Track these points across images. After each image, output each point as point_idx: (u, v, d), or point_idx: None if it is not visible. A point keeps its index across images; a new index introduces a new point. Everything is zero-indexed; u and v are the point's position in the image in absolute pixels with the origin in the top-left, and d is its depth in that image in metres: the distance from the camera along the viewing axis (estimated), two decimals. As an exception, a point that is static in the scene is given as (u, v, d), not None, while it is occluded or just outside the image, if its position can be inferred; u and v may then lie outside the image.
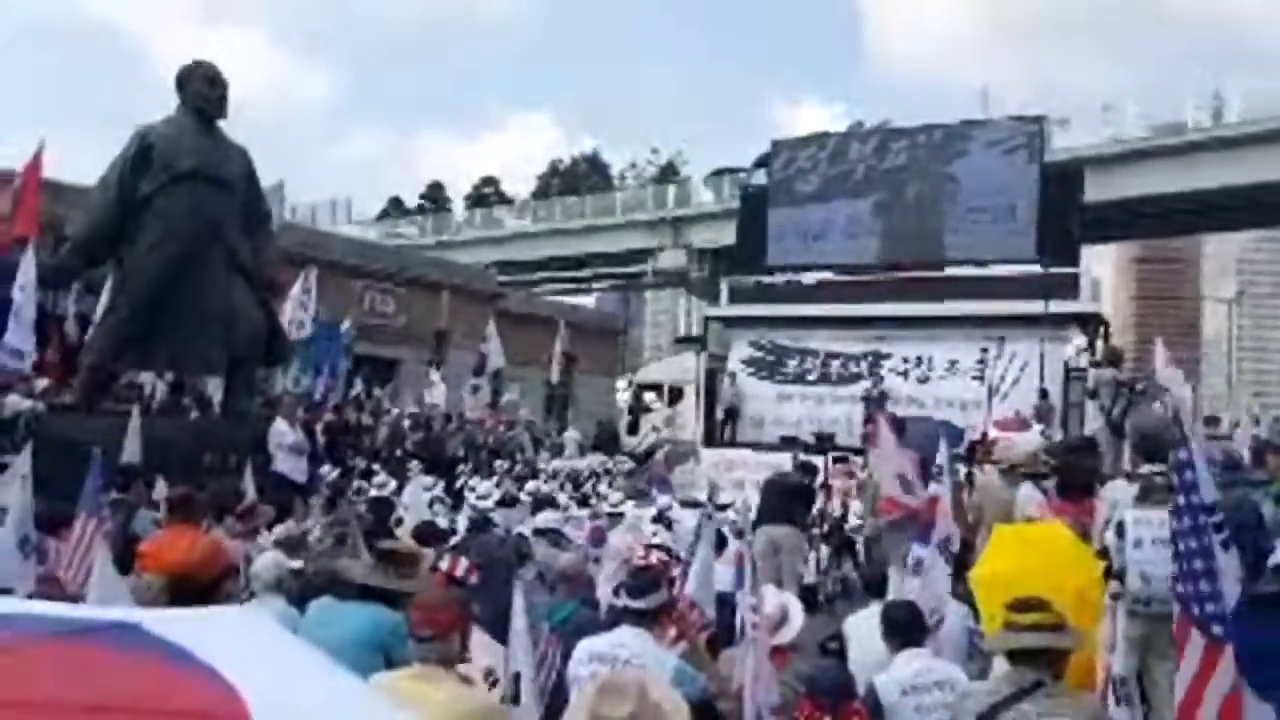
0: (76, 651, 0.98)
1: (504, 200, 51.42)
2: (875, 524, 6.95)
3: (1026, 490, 5.42)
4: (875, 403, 12.23)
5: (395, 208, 53.89)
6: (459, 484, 9.97)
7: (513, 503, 7.50)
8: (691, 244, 33.67)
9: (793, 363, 15.91)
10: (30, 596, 3.30)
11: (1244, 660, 2.59)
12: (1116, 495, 4.48)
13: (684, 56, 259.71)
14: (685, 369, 17.63)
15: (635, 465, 13.65)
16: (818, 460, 9.16)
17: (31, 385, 7.83)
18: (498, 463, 12.22)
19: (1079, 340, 14.69)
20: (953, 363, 14.71)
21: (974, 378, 14.34)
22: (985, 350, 14.28)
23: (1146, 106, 29.48)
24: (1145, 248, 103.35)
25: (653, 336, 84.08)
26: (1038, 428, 9.34)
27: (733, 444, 14.87)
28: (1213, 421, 11.96)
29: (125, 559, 4.04)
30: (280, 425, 8.51)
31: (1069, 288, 14.48)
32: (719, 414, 15.71)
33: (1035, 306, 14.03)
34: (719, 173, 38.54)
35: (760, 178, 18.72)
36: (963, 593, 4.10)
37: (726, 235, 23.41)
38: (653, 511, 7.48)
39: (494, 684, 3.09)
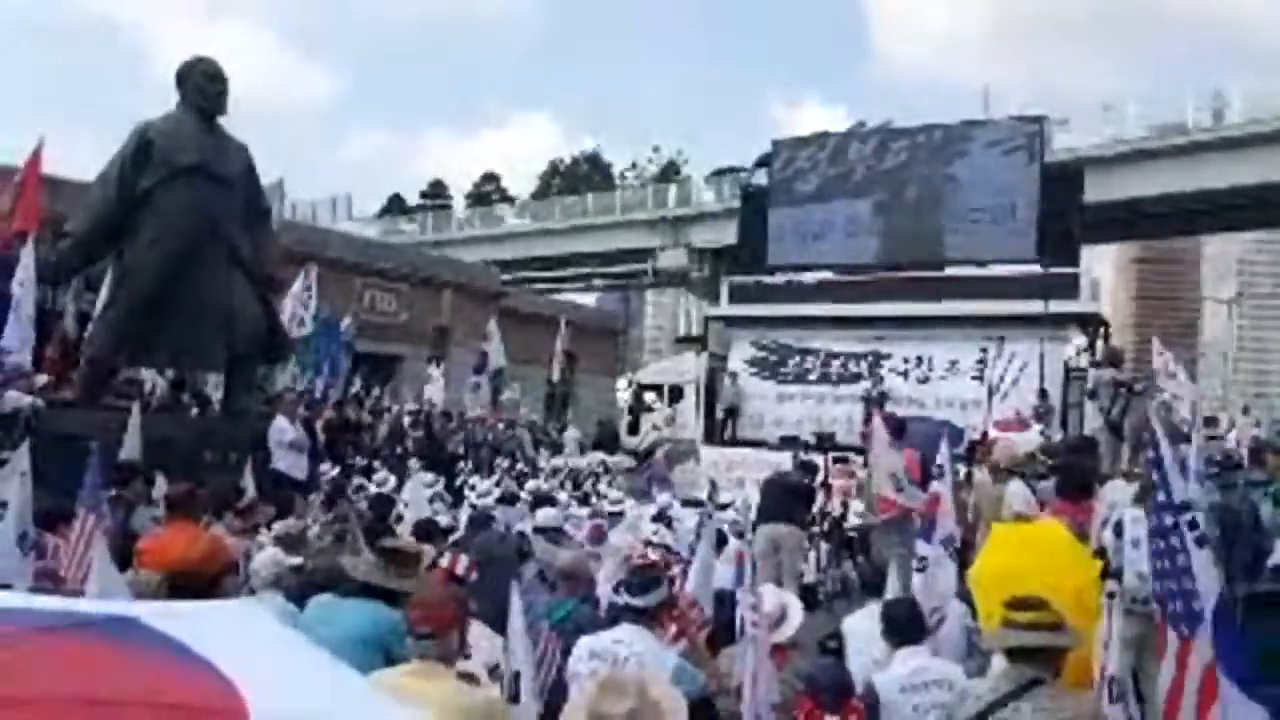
0: (75, 646, 0.98)
1: (505, 198, 51.42)
2: (870, 522, 6.97)
3: (1014, 487, 5.44)
4: (875, 402, 12.23)
5: (396, 205, 53.87)
6: (459, 482, 9.97)
7: (513, 501, 7.50)
8: (692, 243, 33.64)
9: (793, 362, 15.91)
10: (29, 592, 3.30)
11: (1244, 659, 2.60)
12: (1115, 495, 4.49)
13: (685, 56, 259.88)
14: (686, 368, 17.63)
15: (636, 464, 13.65)
16: (818, 459, 9.17)
17: (31, 381, 7.82)
18: (498, 461, 12.22)
19: (1079, 340, 14.70)
20: (953, 363, 14.71)
21: (974, 378, 14.35)
22: (985, 350, 14.29)
23: (1147, 107, 29.35)
24: (1145, 248, 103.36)
25: (653, 336, 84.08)
26: (1037, 428, 9.35)
27: (733, 443, 14.88)
28: (1212, 422, 11.95)
29: (124, 556, 4.04)
30: (280, 422, 8.51)
31: (1069, 288, 14.48)
32: (719, 413, 15.72)
33: (1035, 307, 14.03)
34: (720, 172, 38.53)
35: (761, 177, 18.71)
36: (961, 591, 4.11)
37: (727, 235, 23.40)
38: (653, 510, 7.49)
39: (499, 679, 3.09)
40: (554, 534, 5.78)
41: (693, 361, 17.36)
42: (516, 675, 2.87)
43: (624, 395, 21.65)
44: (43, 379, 8.20)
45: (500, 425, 14.82)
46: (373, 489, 8.16)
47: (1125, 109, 29.12)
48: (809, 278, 16.65)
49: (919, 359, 14.95)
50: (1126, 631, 3.86)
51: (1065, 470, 5.10)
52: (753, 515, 7.19)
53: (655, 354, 58.82)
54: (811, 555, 8.40)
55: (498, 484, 8.78)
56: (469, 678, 3.10)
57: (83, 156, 8.11)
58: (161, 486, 5.77)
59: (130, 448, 6.43)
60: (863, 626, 3.96)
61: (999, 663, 2.89)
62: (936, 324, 15.00)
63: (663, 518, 6.96)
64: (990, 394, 13.18)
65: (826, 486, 9.35)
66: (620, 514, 7.35)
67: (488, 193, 54.70)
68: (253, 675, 0.96)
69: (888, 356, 15.11)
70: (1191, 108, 28.16)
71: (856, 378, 15.06)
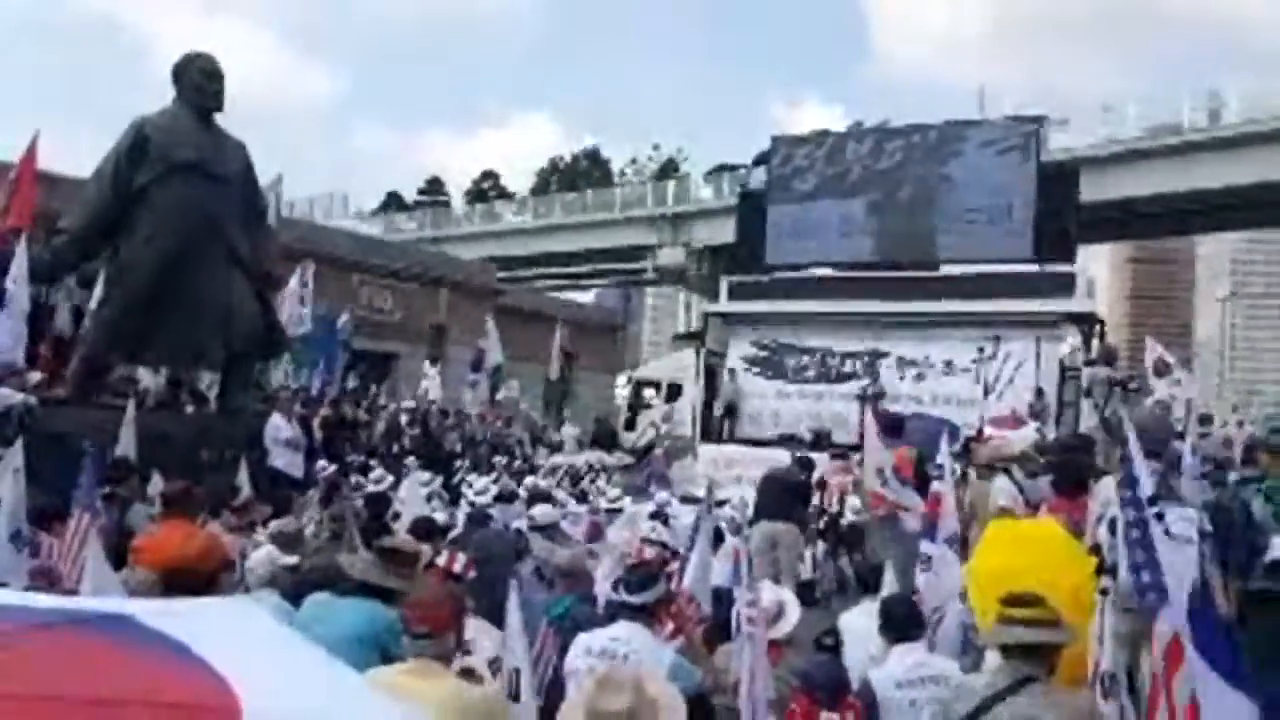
0: (71, 643, 0.98)
1: (504, 195, 51.35)
2: (862, 518, 6.99)
3: (999, 483, 5.47)
4: (872, 400, 12.25)
5: (394, 203, 53.79)
6: (457, 480, 9.96)
7: (511, 498, 7.49)
8: (691, 241, 33.67)
9: (792, 360, 15.92)
10: (25, 590, 3.29)
11: (1236, 655, 2.61)
12: (1109, 492, 4.50)
13: (685, 56, 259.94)
14: (684, 366, 17.63)
15: (634, 461, 13.65)
16: (815, 457, 9.18)
17: (25, 379, 7.80)
18: (496, 459, 12.22)
19: (1074, 339, 14.72)
20: (949, 361, 14.73)
21: (970, 376, 14.37)
22: (981, 349, 14.30)
23: (1144, 107, 29.44)
24: (1140, 248, 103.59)
25: (652, 333, 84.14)
26: (1033, 425, 9.37)
27: (731, 441, 14.88)
28: (1207, 420, 11.98)
29: (120, 553, 4.04)
30: (277, 420, 8.50)
31: (1064, 287, 14.50)
32: (718, 411, 15.72)
33: (1031, 305, 14.04)
34: (719, 170, 38.54)
35: (759, 175, 18.72)
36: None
37: (726, 232, 23.41)
38: (651, 507, 7.49)
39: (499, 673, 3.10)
40: (550, 531, 5.78)
41: (691, 359, 17.36)
42: (516, 673, 2.87)
43: (622, 392, 21.64)
44: (36, 376, 8.17)
45: (498, 423, 14.82)
46: (369, 487, 8.15)
47: (1122, 109, 29.28)
48: (807, 275, 16.66)
49: (916, 357, 14.97)
50: (1121, 628, 3.87)
51: (1061, 468, 5.11)
52: (750, 512, 7.21)
53: (654, 351, 58.81)
54: (809, 552, 8.41)
55: (495, 482, 8.77)
56: (471, 674, 3.10)
57: (83, 153, 8.10)
58: (157, 484, 5.77)
59: (125, 445, 6.42)
60: (859, 623, 3.97)
61: (993, 659, 2.90)
62: (934, 322, 15.02)
63: (660, 515, 6.95)
64: (986, 392, 13.20)
65: (824, 483, 9.36)
66: (618, 511, 7.36)
67: (486, 190, 54.64)
68: (247, 673, 0.96)
69: (885, 354, 15.12)
70: (1188, 108, 28.24)
71: (854, 376, 15.09)
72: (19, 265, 8.03)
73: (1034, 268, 14.73)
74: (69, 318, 9.80)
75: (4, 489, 3.98)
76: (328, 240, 20.29)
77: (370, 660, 2.69)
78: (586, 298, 42.93)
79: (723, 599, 4.37)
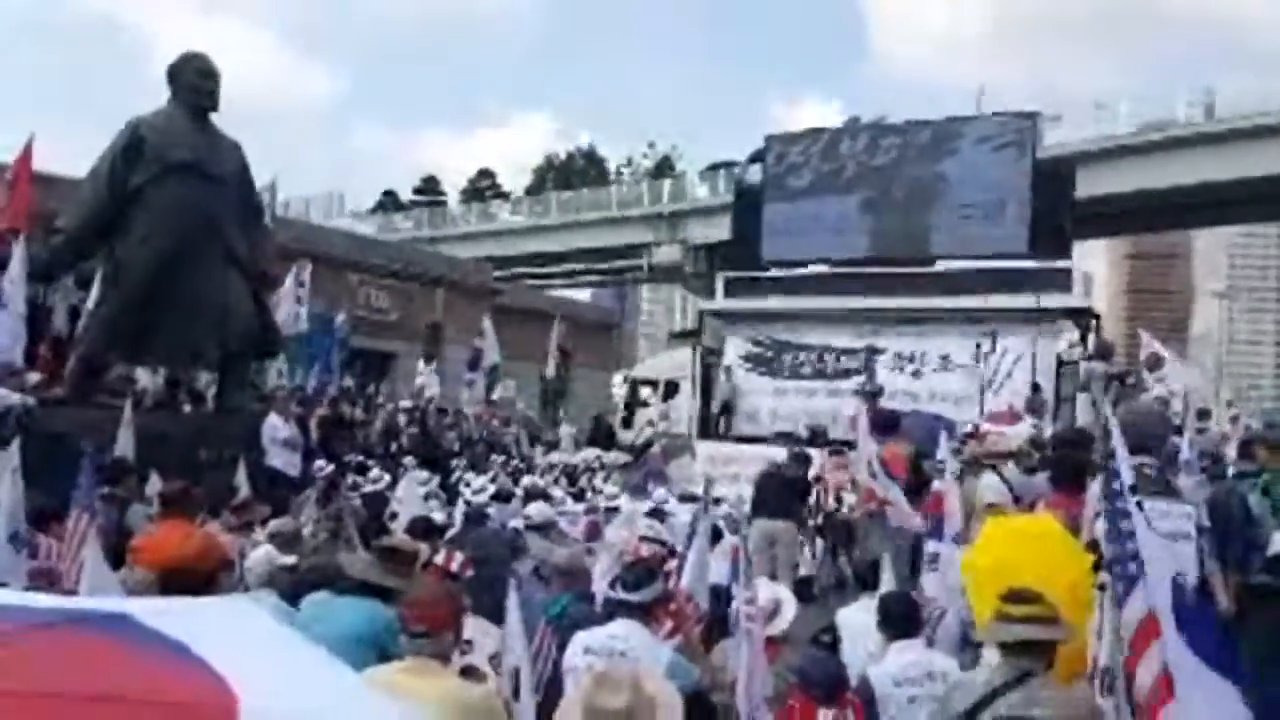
0: (70, 642, 0.98)
1: (500, 194, 51.34)
2: (854, 515, 7.01)
3: (986, 479, 5.48)
4: (869, 396, 12.25)
5: (390, 202, 53.72)
6: (454, 479, 9.96)
7: (508, 497, 7.50)
8: (687, 239, 33.65)
9: (788, 357, 15.92)
10: (24, 591, 3.29)
11: (1232, 650, 2.62)
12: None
13: (685, 56, 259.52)
14: (681, 363, 17.63)
15: (631, 459, 13.65)
16: (812, 453, 9.19)
17: (23, 379, 7.79)
18: (493, 457, 12.22)
19: (1071, 334, 14.74)
20: (946, 357, 14.75)
21: (967, 372, 14.38)
22: (978, 345, 14.31)
23: (1139, 104, 29.54)
24: (1136, 243, 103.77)
25: (649, 331, 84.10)
26: (1029, 421, 9.38)
27: (728, 438, 14.89)
28: (1205, 415, 12.00)
29: (118, 553, 4.03)
30: (274, 420, 8.49)
31: (1061, 282, 14.52)
32: (715, 408, 15.72)
33: (1027, 301, 14.06)
34: (714, 167, 38.52)
35: (755, 173, 18.73)
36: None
37: (722, 230, 23.40)
38: (648, 505, 7.49)
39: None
40: (547, 530, 5.78)
41: (688, 356, 17.36)
42: (516, 672, 2.88)
43: (619, 391, 21.65)
44: (35, 377, 8.16)
45: (495, 422, 14.81)
46: (367, 487, 8.15)
47: (1117, 106, 29.35)
48: (803, 272, 16.67)
49: (912, 353, 14.99)
50: (1117, 623, 3.88)
51: (1060, 463, 5.12)
52: (747, 510, 7.23)
53: (651, 349, 58.83)
54: (806, 549, 8.43)
55: (493, 481, 8.77)
56: (473, 672, 3.11)
57: (82, 154, 8.07)
58: (155, 484, 5.76)
59: (123, 445, 6.41)
60: (857, 619, 3.98)
61: (991, 655, 2.91)
62: (930, 318, 15.04)
63: (658, 513, 6.96)
64: (983, 388, 13.21)
65: (821, 480, 9.37)
66: (615, 509, 7.36)
67: (483, 189, 54.61)
68: (245, 672, 0.96)
69: (882, 351, 15.13)
70: (1183, 104, 28.32)
71: (851, 372, 15.09)
72: (16, 266, 8.02)
73: (1030, 263, 14.75)
74: (66, 318, 9.79)
75: (2, 490, 3.98)
76: (324, 240, 20.27)
77: (369, 659, 2.69)
78: (583, 296, 42.91)
79: (720, 597, 4.38)
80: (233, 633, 1.07)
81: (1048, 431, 9.01)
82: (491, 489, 7.70)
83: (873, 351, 15.07)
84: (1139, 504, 2.64)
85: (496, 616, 3.21)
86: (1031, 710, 2.51)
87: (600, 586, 4.32)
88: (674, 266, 34.50)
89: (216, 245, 7.69)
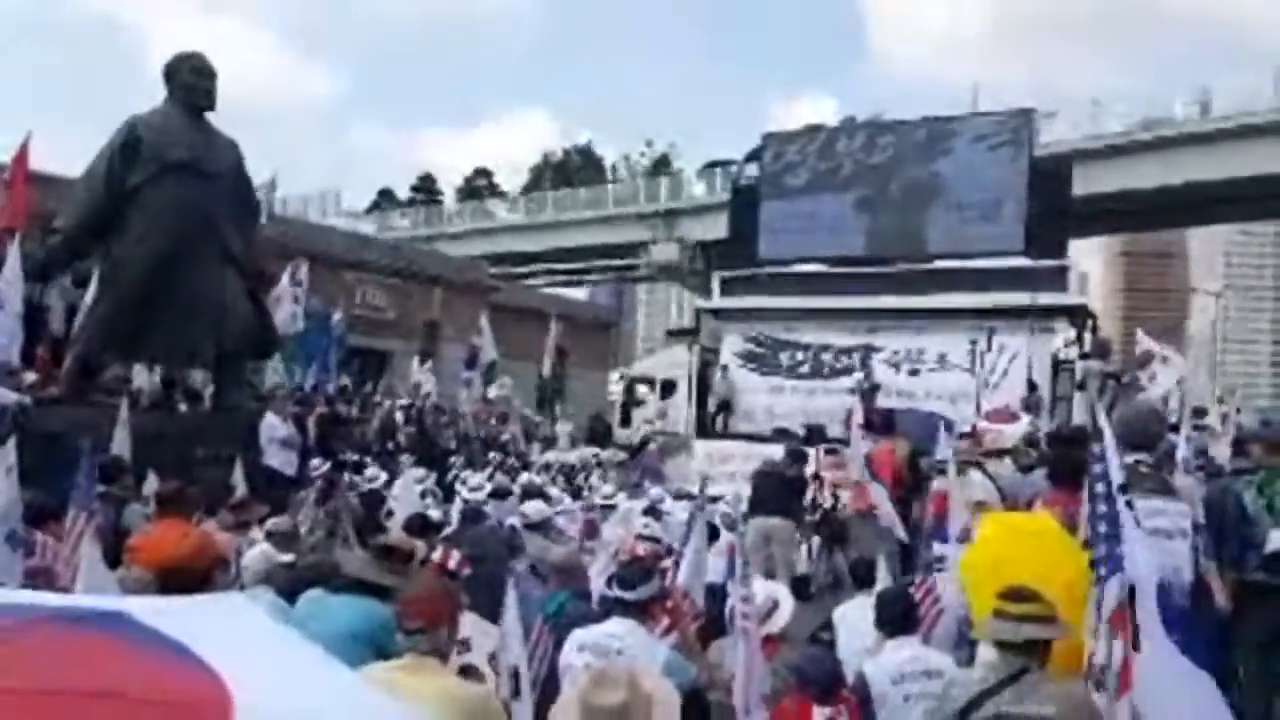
0: (66, 640, 0.98)
1: (496, 192, 51.29)
2: (846, 513, 7.03)
3: (973, 477, 5.48)
4: (866, 394, 12.26)
5: (387, 200, 53.63)
6: (451, 477, 9.96)
7: (505, 495, 7.50)
8: (684, 237, 33.65)
9: (785, 355, 15.93)
10: (21, 589, 3.28)
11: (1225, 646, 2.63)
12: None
13: (684, 56, 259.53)
14: (678, 362, 17.63)
15: (628, 457, 13.65)
16: (808, 451, 9.20)
17: (19, 378, 7.78)
18: (490, 455, 12.21)
19: (1067, 333, 14.76)
20: (943, 356, 14.76)
21: (964, 370, 14.40)
22: (974, 343, 14.33)
23: (1134, 104, 29.64)
24: (1132, 241, 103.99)
25: (646, 329, 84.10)
26: (1026, 419, 9.40)
27: (725, 436, 14.90)
28: (1201, 413, 12.03)
29: (115, 553, 4.03)
30: (271, 419, 8.48)
31: (1057, 280, 14.54)
32: (711, 406, 15.73)
33: (1024, 299, 14.08)
34: (712, 165, 38.50)
35: (752, 171, 18.73)
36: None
37: (719, 228, 23.41)
38: (645, 503, 7.49)
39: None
40: (544, 528, 5.79)
41: (685, 355, 17.36)
42: (515, 671, 2.88)
43: (616, 389, 21.66)
44: (31, 376, 8.15)
45: (492, 420, 14.81)
46: (364, 485, 8.15)
47: (1112, 104, 29.43)
48: (800, 271, 16.67)
49: (909, 351, 15.01)
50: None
51: (1058, 461, 5.13)
52: (744, 508, 7.24)
53: (648, 348, 58.82)
54: (803, 547, 8.43)
55: (490, 478, 8.77)
56: (472, 671, 3.11)
57: (82, 153, 8.05)
58: (152, 483, 5.75)
59: (119, 444, 6.40)
60: (854, 616, 3.98)
61: (987, 652, 2.92)
62: (927, 317, 15.05)
63: (654, 511, 6.97)
64: (980, 386, 13.23)
65: (818, 478, 9.39)
66: (612, 507, 7.36)
67: (479, 187, 54.54)
68: (241, 669, 0.97)
69: (879, 349, 15.14)
70: (1179, 103, 28.40)
71: (848, 371, 15.10)
72: (12, 265, 8.00)
73: (1026, 261, 14.77)
74: (63, 317, 9.77)
75: (-3, 489, 3.97)
76: (321, 238, 20.24)
77: (365, 657, 2.69)
78: (580, 295, 42.89)
79: (717, 595, 4.38)
80: (229, 631, 1.07)
81: (1044, 430, 9.02)
82: (489, 487, 7.70)
83: (869, 350, 15.08)
84: (1129, 503, 2.65)
85: (494, 614, 3.21)
86: (1028, 707, 2.52)
87: (597, 584, 4.33)
88: (671, 265, 34.49)
89: (213, 244, 7.68)
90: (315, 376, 13.45)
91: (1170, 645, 2.41)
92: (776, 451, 9.42)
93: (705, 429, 15.37)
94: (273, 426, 8.39)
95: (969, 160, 15.55)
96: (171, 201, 7.44)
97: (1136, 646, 2.52)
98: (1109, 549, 2.65)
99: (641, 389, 18.45)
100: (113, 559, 3.87)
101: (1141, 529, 2.59)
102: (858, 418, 6.96)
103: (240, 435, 7.67)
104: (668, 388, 17.37)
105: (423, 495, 7.75)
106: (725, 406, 15.60)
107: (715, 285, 17.86)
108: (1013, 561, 3.31)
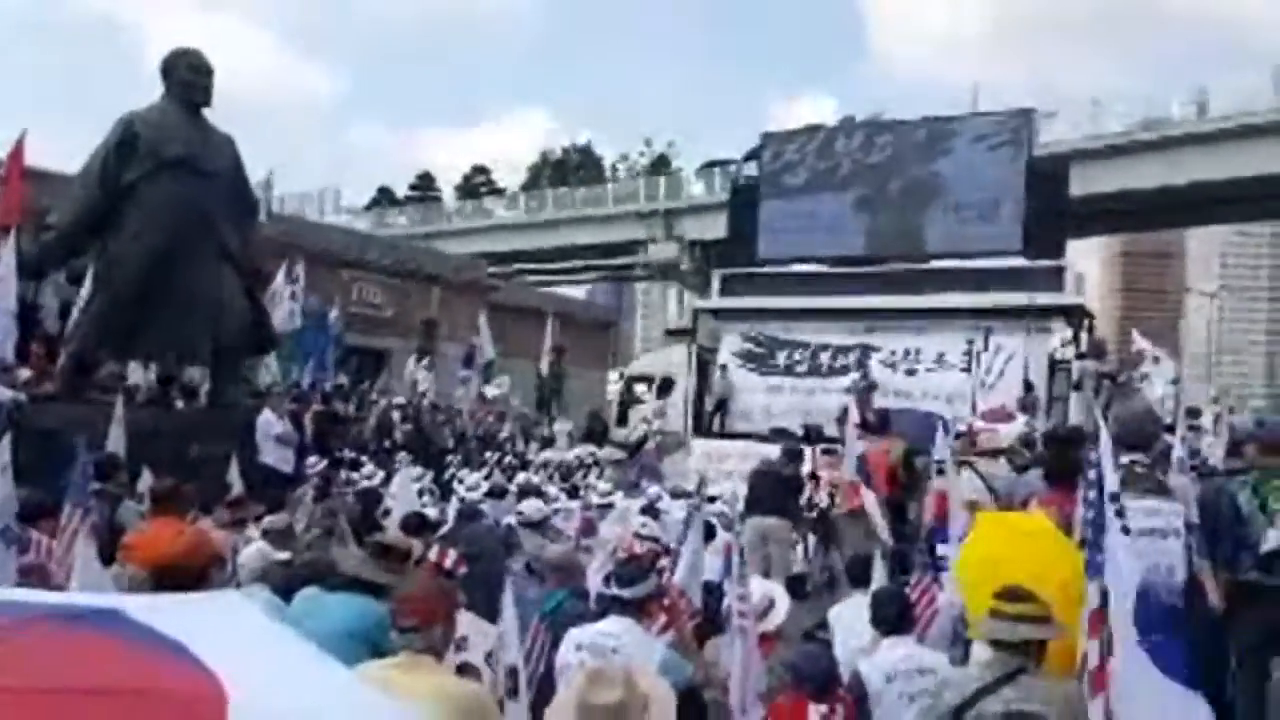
0: (62, 638, 0.98)
1: (495, 190, 51.25)
2: (837, 511, 7.03)
3: (963, 477, 5.49)
4: (862, 393, 12.28)
5: (385, 198, 53.55)
6: (448, 475, 9.95)
7: (502, 494, 7.50)
8: (683, 236, 33.66)
9: (783, 354, 15.93)
10: (15, 588, 3.28)
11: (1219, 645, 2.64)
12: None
13: (684, 56, 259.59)
14: (676, 361, 17.63)
15: (626, 456, 13.65)
16: (805, 450, 9.20)
17: (14, 375, 7.77)
18: (487, 454, 12.21)
19: (1064, 333, 14.78)
20: (940, 355, 14.77)
21: (961, 370, 14.42)
22: (970, 342, 14.35)
23: (1132, 104, 29.67)
24: (1129, 242, 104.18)
25: (644, 328, 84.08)
26: (1022, 419, 9.41)
27: (723, 435, 14.91)
28: (1195, 413, 12.05)
29: (110, 550, 4.02)
30: (268, 416, 8.48)
31: (1054, 281, 14.57)
32: (709, 405, 15.73)
33: (1021, 299, 14.10)
34: (710, 165, 38.51)
35: (751, 170, 18.73)
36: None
37: (718, 227, 23.42)
38: (642, 502, 7.50)
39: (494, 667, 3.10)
40: (541, 526, 5.79)
41: (683, 354, 17.35)
42: (513, 670, 2.87)
43: (614, 388, 21.65)
44: (26, 373, 8.12)
45: (490, 418, 14.80)
46: (361, 483, 8.14)
47: (1111, 104, 29.48)
48: (798, 270, 16.68)
49: (907, 351, 15.02)
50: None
51: (1054, 461, 5.14)
52: (741, 507, 7.24)
53: (646, 346, 58.81)
54: (799, 546, 8.44)
55: (487, 478, 8.77)
56: (468, 670, 3.11)
57: (80, 151, 8.03)
58: (147, 481, 5.74)
59: (115, 441, 6.39)
60: (849, 615, 3.99)
61: (982, 650, 2.92)
62: (925, 316, 15.06)
63: (651, 510, 6.97)
64: (977, 386, 13.24)
65: (815, 477, 9.39)
66: (609, 506, 7.36)
67: (477, 185, 54.48)
68: (236, 668, 0.97)
69: (876, 349, 15.15)
70: (1176, 103, 28.45)
71: (845, 370, 15.11)
72: (7, 261, 7.98)
73: (1024, 262, 14.79)
74: (57, 314, 9.74)
75: (-8, 486, 3.96)
76: (320, 236, 20.22)
77: (360, 655, 2.69)
78: (578, 293, 42.87)
79: (713, 593, 4.38)
80: (224, 629, 1.07)
81: (1039, 430, 9.04)
82: (486, 485, 7.70)
83: (867, 349, 15.10)
84: (1119, 511, 2.66)
85: (490, 613, 3.21)
86: (1022, 706, 2.53)
87: (595, 583, 4.33)
88: (670, 264, 34.51)
89: (210, 241, 7.67)
90: (312, 375, 13.43)
91: (1142, 657, 2.42)
92: (774, 451, 9.43)
93: (703, 428, 15.38)
94: (269, 424, 8.39)
95: (968, 160, 15.57)
96: (168, 198, 7.43)
97: (1110, 650, 2.53)
98: (1090, 555, 2.67)
99: (639, 388, 18.43)
100: (107, 557, 3.86)
101: (1130, 535, 2.60)
102: (853, 417, 6.96)
103: (237, 433, 7.67)
104: (665, 387, 17.36)
105: (420, 494, 7.75)
106: (723, 405, 15.60)
107: (714, 284, 17.87)
108: (1009, 561, 3.32)
